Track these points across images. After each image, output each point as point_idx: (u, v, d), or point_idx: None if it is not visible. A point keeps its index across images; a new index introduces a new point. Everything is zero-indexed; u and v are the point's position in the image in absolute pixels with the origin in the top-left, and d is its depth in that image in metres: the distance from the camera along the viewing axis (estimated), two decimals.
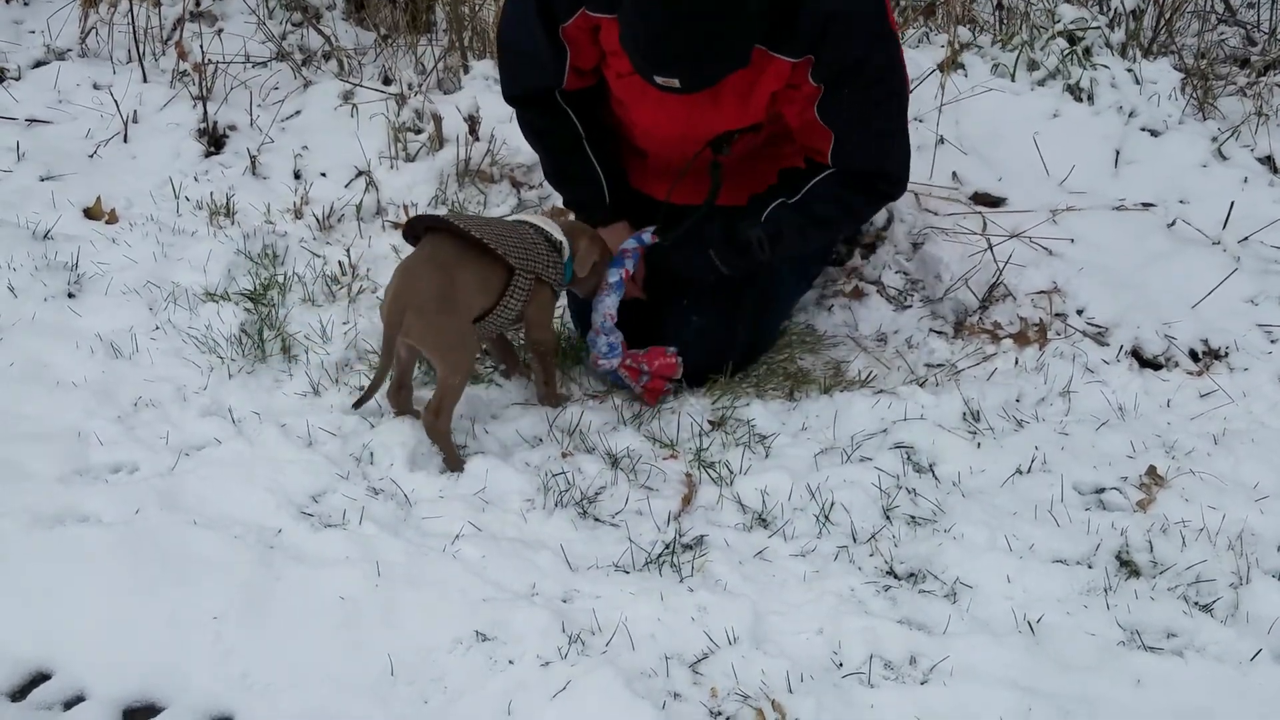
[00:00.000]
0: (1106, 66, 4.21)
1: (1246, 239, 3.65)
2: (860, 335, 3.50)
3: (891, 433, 2.98)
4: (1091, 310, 3.43)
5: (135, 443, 2.85)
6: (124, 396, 3.00)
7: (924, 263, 3.63)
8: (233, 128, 4.29)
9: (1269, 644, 2.38)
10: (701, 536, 2.66)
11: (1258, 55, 4.96)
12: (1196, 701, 2.26)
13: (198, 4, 4.79)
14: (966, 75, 4.24)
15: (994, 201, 3.83)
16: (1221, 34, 5.17)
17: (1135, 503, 2.79)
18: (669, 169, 3.21)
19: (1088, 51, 4.28)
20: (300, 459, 2.81)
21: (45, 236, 3.62)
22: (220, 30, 4.67)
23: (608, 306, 3.09)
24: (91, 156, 4.13)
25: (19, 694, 2.25)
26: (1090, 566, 2.59)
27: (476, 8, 4.74)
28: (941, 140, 3.93)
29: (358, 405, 2.89)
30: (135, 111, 4.30)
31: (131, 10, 4.55)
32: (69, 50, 4.68)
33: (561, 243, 3.01)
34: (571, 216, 3.32)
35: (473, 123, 4.12)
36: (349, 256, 3.63)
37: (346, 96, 4.33)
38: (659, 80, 2.77)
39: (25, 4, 4.97)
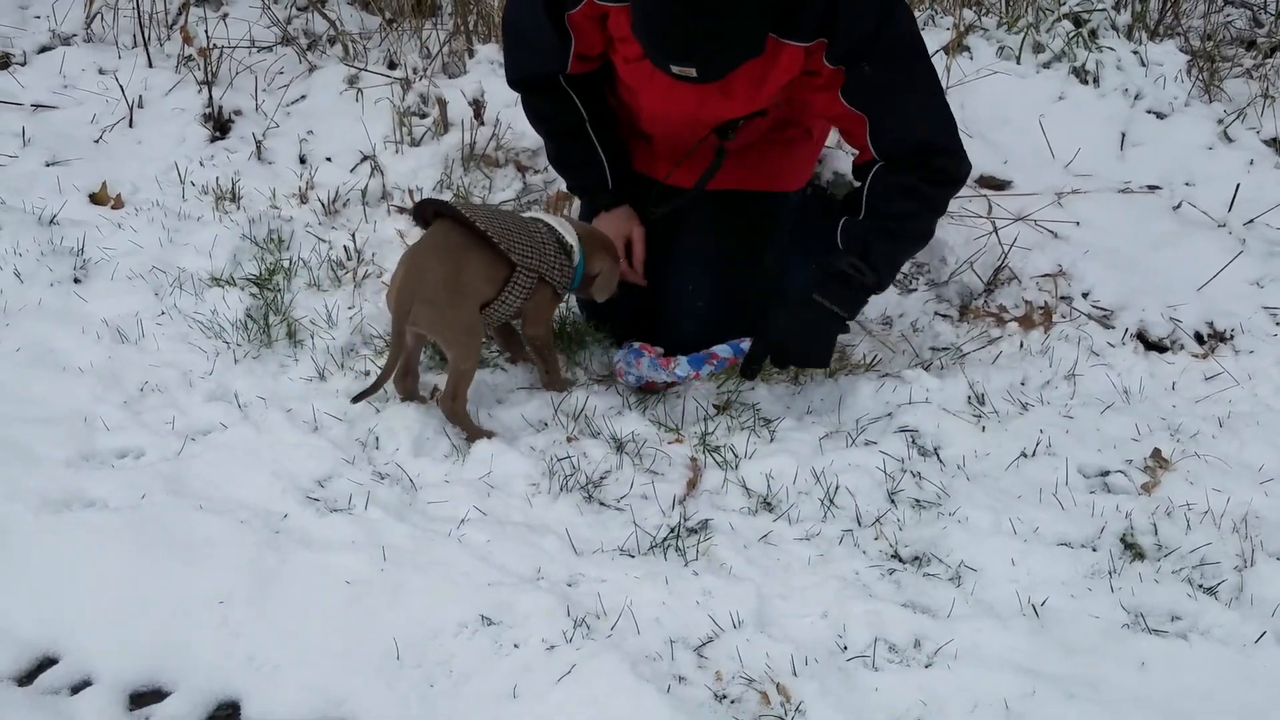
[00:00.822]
0: (1112, 49, 4.20)
1: (1252, 221, 3.64)
2: (865, 319, 3.49)
3: (896, 416, 2.99)
4: (1097, 293, 3.43)
5: (141, 427, 2.86)
6: (130, 381, 3.01)
7: (929, 246, 3.61)
8: (238, 112, 4.29)
9: (1273, 626, 2.39)
10: (706, 520, 2.66)
11: (1264, 37, 4.94)
12: (1201, 684, 2.27)
13: None
14: (972, 58, 4.23)
15: (999, 184, 3.83)
16: (1228, 15, 5.16)
17: (1140, 485, 2.79)
18: (674, 153, 3.20)
19: (1093, 34, 4.27)
20: (306, 444, 2.81)
21: (51, 222, 3.63)
22: (225, 15, 4.66)
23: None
24: (97, 142, 4.13)
25: (26, 678, 2.26)
26: (1095, 549, 2.59)
27: None
28: None
29: (358, 399, 2.86)
30: (140, 96, 4.29)
31: None
32: (74, 35, 4.67)
33: (573, 247, 2.99)
34: (576, 206, 3.30)
35: (478, 107, 4.11)
36: (354, 241, 3.63)
37: (351, 81, 4.32)
38: (675, 70, 2.73)
39: None
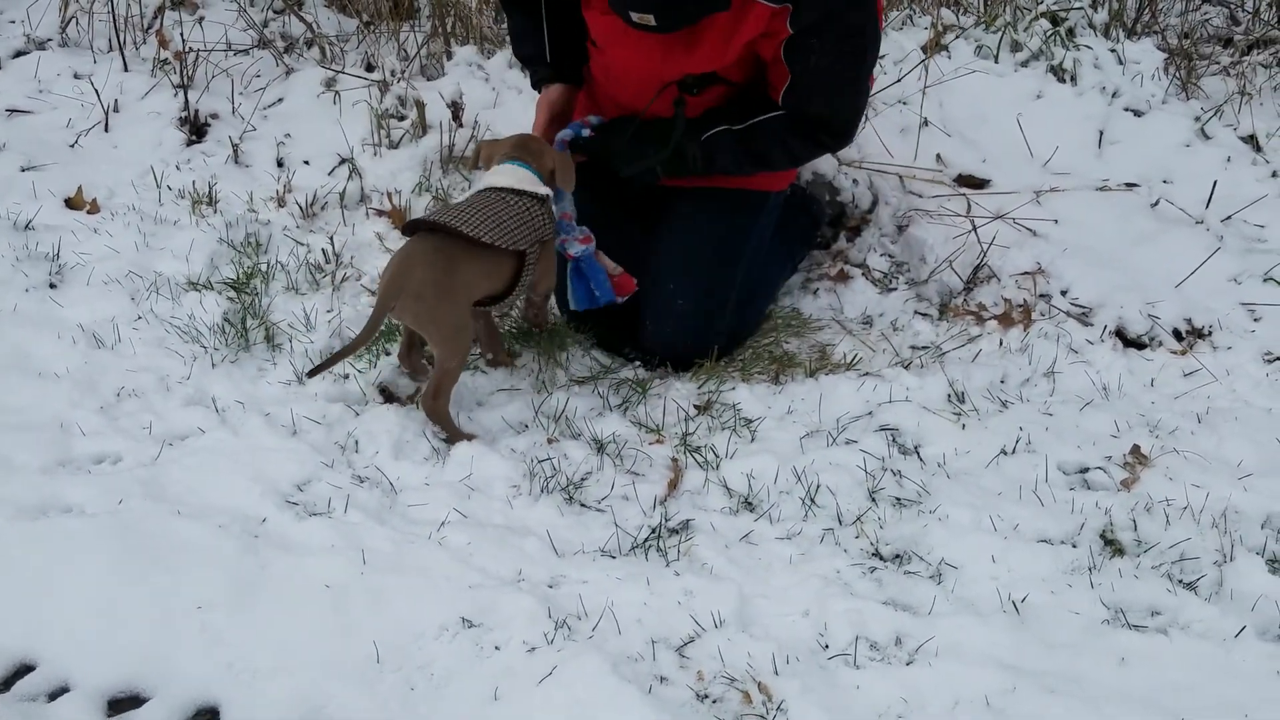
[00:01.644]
0: (1090, 47, 4.21)
1: (1229, 218, 3.65)
2: (845, 318, 3.50)
3: (877, 415, 2.99)
4: (1075, 291, 3.44)
5: (118, 433, 2.84)
6: (107, 387, 2.99)
7: (909, 245, 3.63)
8: (215, 116, 4.26)
9: (1252, 621, 2.40)
10: (687, 521, 2.66)
11: (1241, 34, 4.96)
12: (1181, 679, 2.27)
13: None
14: (950, 57, 4.24)
15: (978, 183, 3.83)
16: (1205, 14, 5.16)
17: (1119, 482, 2.80)
18: (637, 109, 3.21)
19: (1071, 32, 4.28)
20: (284, 448, 2.80)
21: (26, 227, 3.60)
22: (201, 18, 4.63)
23: (564, 208, 3.12)
24: (72, 146, 4.10)
25: (3, 686, 2.24)
26: (1075, 546, 2.60)
27: None
28: (925, 122, 3.93)
29: (314, 373, 2.89)
30: (116, 100, 4.27)
31: None
32: (49, 40, 4.64)
33: (548, 194, 3.02)
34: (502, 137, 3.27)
35: (456, 109, 4.11)
36: (332, 244, 3.62)
37: (329, 84, 4.31)
38: (634, 17, 2.78)
39: None
